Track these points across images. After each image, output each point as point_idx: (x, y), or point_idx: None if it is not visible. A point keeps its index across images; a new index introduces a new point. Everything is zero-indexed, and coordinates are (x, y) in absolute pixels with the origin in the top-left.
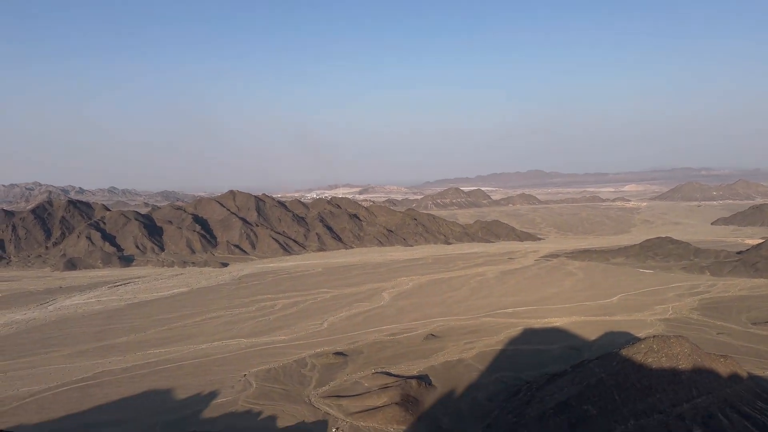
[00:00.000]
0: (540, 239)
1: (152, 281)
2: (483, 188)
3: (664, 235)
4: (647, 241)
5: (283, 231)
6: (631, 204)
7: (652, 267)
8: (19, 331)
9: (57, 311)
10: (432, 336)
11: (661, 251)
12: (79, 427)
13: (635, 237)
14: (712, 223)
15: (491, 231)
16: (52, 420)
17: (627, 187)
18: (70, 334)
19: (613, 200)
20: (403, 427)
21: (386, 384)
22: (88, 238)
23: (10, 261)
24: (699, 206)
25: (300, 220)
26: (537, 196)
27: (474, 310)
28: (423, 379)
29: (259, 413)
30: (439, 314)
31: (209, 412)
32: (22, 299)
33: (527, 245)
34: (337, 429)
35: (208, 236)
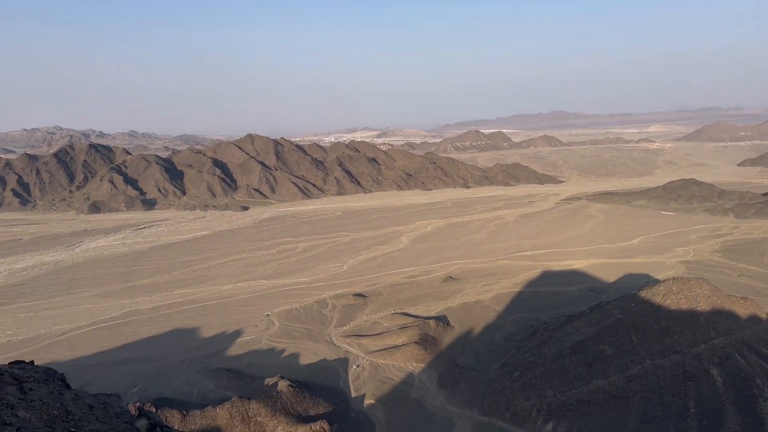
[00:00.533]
0: (561, 182)
1: (175, 224)
2: (504, 130)
3: (688, 177)
4: (670, 182)
5: (302, 175)
6: (655, 145)
7: (674, 209)
8: (48, 273)
9: (83, 253)
10: (450, 278)
11: (684, 193)
12: (110, 363)
13: (658, 179)
14: (738, 165)
15: (511, 174)
16: (84, 357)
17: (652, 128)
18: (97, 276)
19: (637, 142)
20: (422, 365)
21: (405, 324)
22: (111, 182)
23: (36, 204)
24: (725, 147)
25: (319, 164)
26: (559, 138)
27: (492, 253)
28: (441, 319)
29: (282, 351)
30: (458, 257)
31: (234, 350)
32: (49, 242)
33: (548, 188)
34: (357, 366)
35: (228, 180)
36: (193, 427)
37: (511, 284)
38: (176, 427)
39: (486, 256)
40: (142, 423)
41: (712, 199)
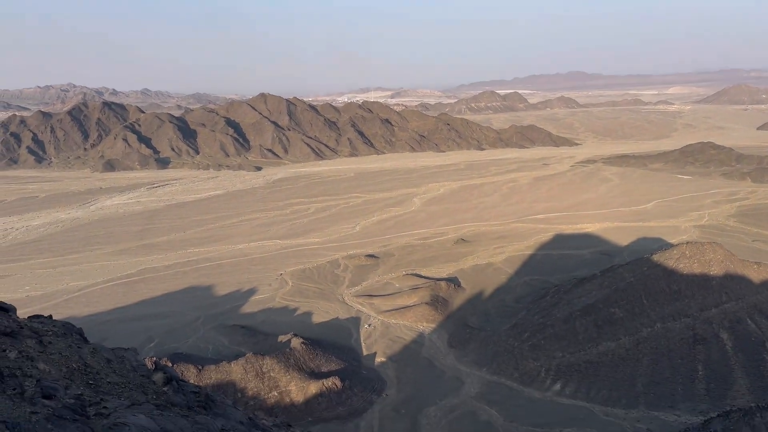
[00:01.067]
0: (577, 144)
1: (189, 183)
2: (520, 91)
3: (705, 140)
4: (688, 146)
5: (315, 135)
6: (673, 108)
7: (690, 173)
8: (65, 230)
9: (99, 211)
10: (462, 240)
11: (701, 157)
12: (127, 319)
13: (676, 142)
14: (758, 128)
15: (526, 136)
16: (101, 312)
17: (671, 90)
18: (113, 233)
19: (656, 104)
20: (432, 326)
21: (416, 285)
22: (125, 140)
23: (51, 162)
24: (746, 110)
25: (331, 124)
26: (576, 100)
27: (505, 215)
28: (452, 281)
29: (296, 309)
30: (470, 220)
31: (248, 308)
32: (65, 199)
33: (563, 151)
34: (369, 325)
35: (240, 140)
36: (208, 381)
37: (522, 247)
38: (192, 381)
39: (498, 218)
40: (158, 376)
41: (730, 163)
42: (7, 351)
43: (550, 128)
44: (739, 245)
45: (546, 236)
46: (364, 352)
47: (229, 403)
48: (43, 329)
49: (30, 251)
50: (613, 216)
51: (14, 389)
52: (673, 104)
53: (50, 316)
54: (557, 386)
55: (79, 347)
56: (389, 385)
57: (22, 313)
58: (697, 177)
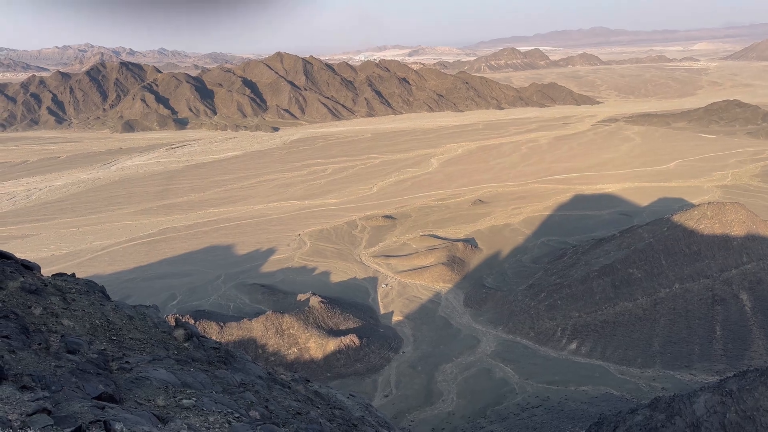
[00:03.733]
0: (599, 103)
1: (207, 144)
2: (541, 48)
3: (731, 98)
4: (713, 104)
5: (332, 95)
6: (699, 64)
7: (715, 132)
8: (86, 190)
9: (120, 171)
10: (479, 201)
11: (726, 115)
12: (149, 277)
13: (701, 100)
14: None
15: (547, 95)
16: (123, 271)
17: (697, 46)
18: (134, 193)
19: (681, 60)
20: (449, 286)
21: (433, 246)
22: (143, 100)
23: (71, 123)
24: None
25: (348, 84)
26: (599, 56)
27: (523, 176)
28: (469, 242)
29: (314, 269)
30: (488, 180)
31: (267, 267)
32: (86, 160)
33: (584, 109)
34: (386, 285)
35: (258, 100)
36: (230, 338)
37: (541, 208)
38: (213, 338)
39: (517, 179)
40: (179, 332)
41: (756, 121)
42: (33, 307)
43: (571, 86)
44: (763, 205)
45: (565, 197)
46: (382, 311)
47: (249, 359)
48: (67, 287)
49: (53, 211)
50: (634, 176)
51: (40, 344)
52: (699, 61)
53: (73, 274)
54: (573, 345)
55: (101, 304)
56: (406, 343)
57: (47, 271)
58: (722, 136)
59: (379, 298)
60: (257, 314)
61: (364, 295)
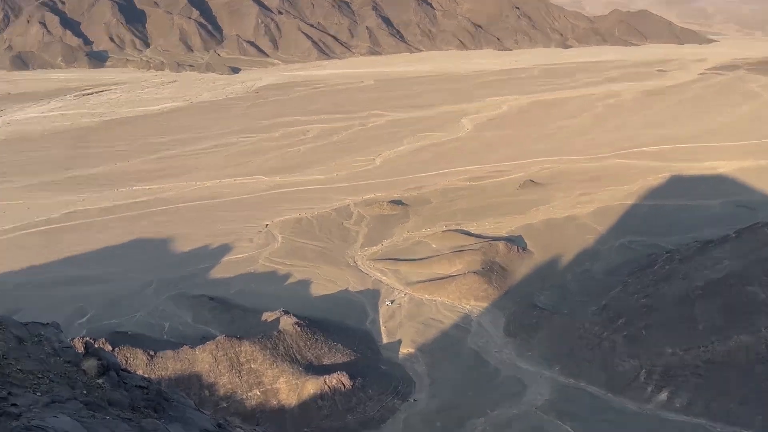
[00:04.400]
0: (711, 41)
1: (135, 90)
2: None
3: None
4: None
5: (318, 23)
6: None
7: None
8: None
9: (7, 128)
10: (531, 182)
11: None
12: (48, 283)
13: None
14: None
15: (635, 28)
16: (10, 273)
17: None
18: (29, 160)
19: None
20: (483, 304)
21: (462, 246)
22: (42, 24)
23: None
24: None
25: (343, 6)
26: None
27: (597, 147)
28: (515, 241)
29: (287, 276)
30: (544, 152)
31: (220, 272)
32: None
33: (689, 50)
34: (392, 302)
35: (209, 27)
36: (163, 372)
37: (621, 194)
38: (140, 372)
39: (587, 151)
40: (90, 364)
41: None
42: None
43: (671, 16)
44: None
45: (657, 179)
46: (385, 340)
47: (191, 403)
48: None
49: None
50: (759, 150)
51: None
52: None
53: None
54: (663, 395)
55: None
56: (418, 387)
57: None
58: None
59: (381, 320)
60: (203, 340)
61: (359, 316)
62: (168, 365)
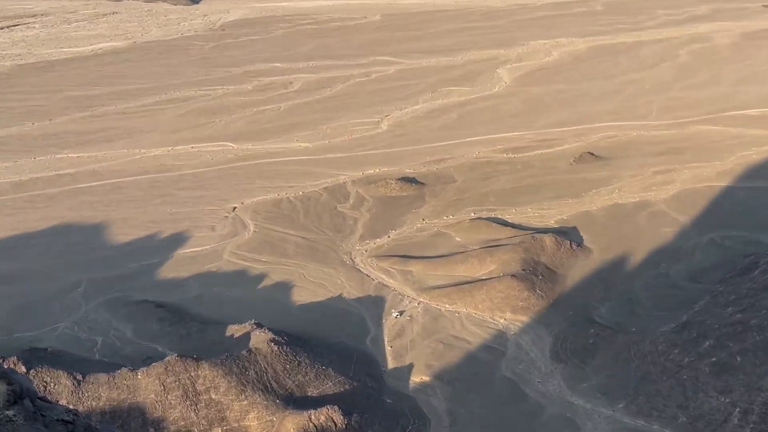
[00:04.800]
0: None
1: (60, 24)
2: None
3: None
4: None
5: None
6: None
7: None
8: None
9: None
10: (590, 156)
11: None
12: None
13: None
14: None
15: None
16: None
17: None
18: None
19: None
20: (523, 318)
21: (496, 240)
22: None
23: None
24: None
25: None
26: None
27: (679, 109)
28: (567, 234)
29: (261, 277)
30: (608, 114)
31: (171, 270)
32: None
33: None
34: (400, 313)
35: None
36: (94, 403)
37: (711, 172)
38: (63, 402)
39: (665, 115)
40: None
41: None
42: None
43: None
44: None
45: (760, 153)
46: (391, 364)
47: None
48: None
49: None
50: None
51: None
52: None
53: None
54: None
55: None
56: (435, 427)
57: None
58: None
59: (386, 338)
60: (148, 360)
61: (357, 332)
62: (101, 393)
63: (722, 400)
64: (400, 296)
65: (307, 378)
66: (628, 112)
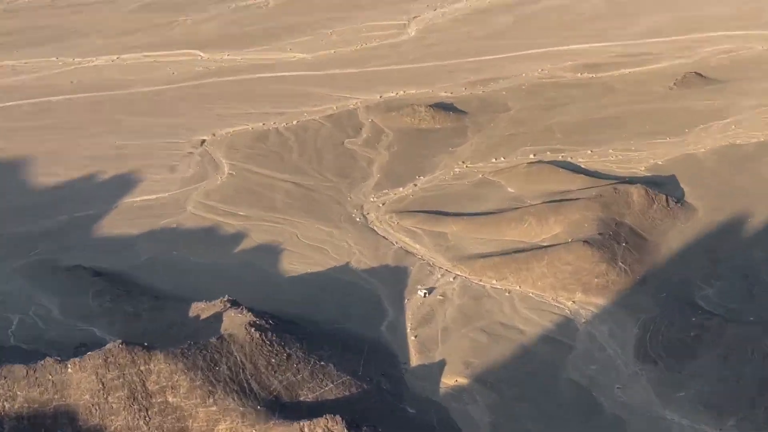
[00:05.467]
0: None
1: None
2: None
3: None
4: None
5: None
6: None
7: None
8: None
9: None
10: (698, 77)
11: None
12: None
13: None
14: None
15: None
16: None
17: None
18: None
19: None
20: (599, 302)
21: (563, 192)
22: None
23: None
24: None
25: None
26: None
27: None
28: (661, 186)
29: (238, 238)
30: (724, 21)
31: (113, 225)
32: None
33: None
34: (429, 291)
35: None
36: (8, 404)
37: None
38: None
39: None
40: None
41: None
42: None
43: None
44: None
45: None
46: (415, 360)
47: None
48: None
49: None
50: None
51: None
52: None
53: None
54: None
55: None
56: None
57: None
58: None
59: (408, 324)
60: (82, 348)
61: (368, 315)
62: (16, 392)
63: None
64: (429, 267)
65: (299, 377)
66: (752, 18)
